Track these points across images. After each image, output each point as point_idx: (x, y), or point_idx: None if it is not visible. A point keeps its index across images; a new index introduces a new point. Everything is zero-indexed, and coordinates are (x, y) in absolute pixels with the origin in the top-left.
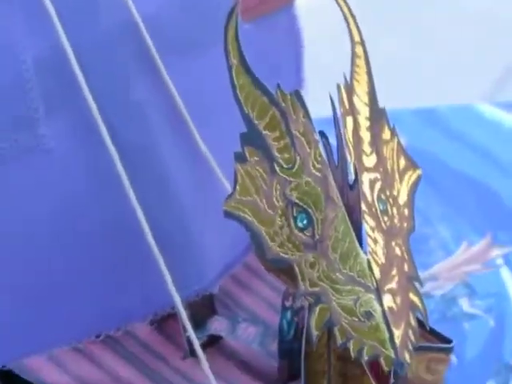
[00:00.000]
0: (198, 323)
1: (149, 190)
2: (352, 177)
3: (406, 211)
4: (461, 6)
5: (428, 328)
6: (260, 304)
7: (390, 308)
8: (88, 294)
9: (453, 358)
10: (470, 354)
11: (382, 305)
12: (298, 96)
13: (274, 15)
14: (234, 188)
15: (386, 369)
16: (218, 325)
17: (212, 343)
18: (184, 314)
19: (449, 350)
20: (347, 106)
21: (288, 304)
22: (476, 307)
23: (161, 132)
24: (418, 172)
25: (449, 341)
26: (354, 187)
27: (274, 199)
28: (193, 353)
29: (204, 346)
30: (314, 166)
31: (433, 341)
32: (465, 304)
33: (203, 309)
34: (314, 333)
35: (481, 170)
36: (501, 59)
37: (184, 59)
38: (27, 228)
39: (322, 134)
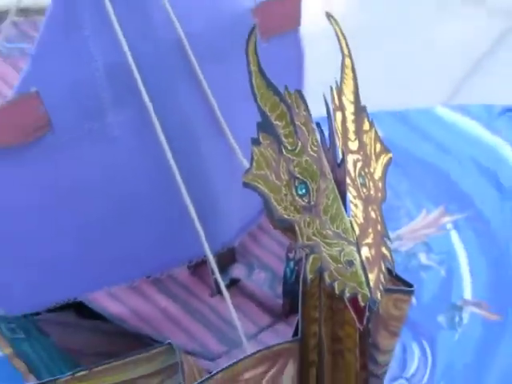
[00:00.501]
0: (223, 269)
1: (191, 171)
2: (340, 157)
3: (380, 184)
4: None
5: (395, 275)
6: (269, 255)
7: (367, 258)
8: (142, 244)
9: (413, 299)
10: (426, 296)
11: (360, 255)
12: (300, 94)
13: (283, 35)
14: (251, 165)
15: (362, 304)
16: (237, 271)
17: (233, 285)
18: (213, 262)
19: (410, 293)
20: (337, 104)
21: (291, 256)
22: (431, 260)
23: (200, 124)
24: (390, 155)
25: (410, 285)
26: (341, 165)
27: (281, 173)
28: (219, 291)
29: (227, 287)
30: (311, 148)
31: (398, 285)
32: (423, 258)
33: (227, 258)
34: (309, 276)
35: (437, 158)
36: (457, 68)
37: (217, 66)
38: (97, 192)
39: (318, 124)
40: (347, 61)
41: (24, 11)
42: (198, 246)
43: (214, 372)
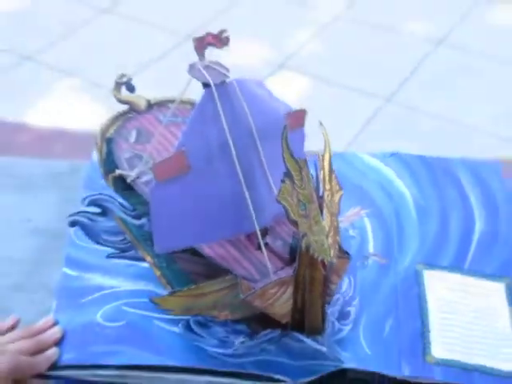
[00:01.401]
0: (262, 237)
1: (252, 191)
2: (321, 192)
3: (337, 206)
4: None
5: (342, 247)
6: (284, 233)
7: (330, 243)
8: (229, 224)
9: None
10: (352, 251)
11: (327, 240)
12: (305, 161)
13: (296, 129)
14: (279, 192)
15: (326, 263)
16: (268, 239)
17: (266, 245)
18: (259, 233)
19: (348, 258)
20: (321, 165)
21: (295, 236)
22: (354, 233)
23: (258, 171)
24: (342, 192)
25: (348, 253)
26: (322, 196)
27: (294, 198)
28: (259, 248)
29: (263, 246)
30: (308, 187)
31: (343, 253)
32: (350, 232)
33: (264, 232)
34: (303, 246)
35: (360, 180)
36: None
37: (267, 144)
38: (213, 197)
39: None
40: (327, 145)
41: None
42: (252, 224)
43: (256, 289)
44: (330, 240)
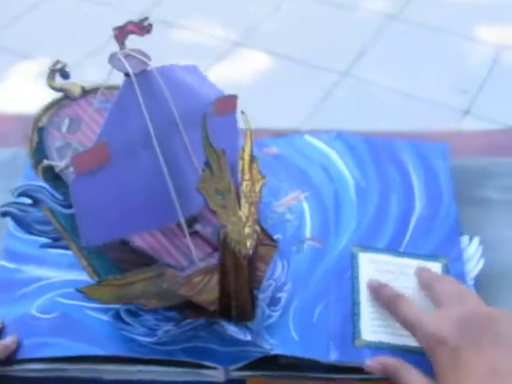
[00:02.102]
0: (191, 225)
1: (176, 172)
2: (239, 182)
3: (258, 195)
4: None
5: (270, 236)
6: (213, 220)
7: (248, 233)
8: (158, 213)
9: (279, 237)
10: (288, 235)
11: (244, 230)
12: (223, 152)
13: (228, 114)
14: (200, 180)
15: (242, 254)
16: (198, 226)
17: (195, 233)
18: (183, 221)
19: (276, 246)
20: (241, 155)
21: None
22: (291, 216)
23: (183, 157)
24: (264, 180)
25: (275, 240)
26: (240, 186)
27: (213, 187)
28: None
29: (192, 234)
30: (226, 176)
31: (272, 241)
32: (288, 215)
33: (193, 219)
34: (222, 236)
35: (302, 163)
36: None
37: (192, 131)
38: (137, 186)
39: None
40: (248, 132)
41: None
42: (176, 213)
43: (180, 278)
44: (248, 230)
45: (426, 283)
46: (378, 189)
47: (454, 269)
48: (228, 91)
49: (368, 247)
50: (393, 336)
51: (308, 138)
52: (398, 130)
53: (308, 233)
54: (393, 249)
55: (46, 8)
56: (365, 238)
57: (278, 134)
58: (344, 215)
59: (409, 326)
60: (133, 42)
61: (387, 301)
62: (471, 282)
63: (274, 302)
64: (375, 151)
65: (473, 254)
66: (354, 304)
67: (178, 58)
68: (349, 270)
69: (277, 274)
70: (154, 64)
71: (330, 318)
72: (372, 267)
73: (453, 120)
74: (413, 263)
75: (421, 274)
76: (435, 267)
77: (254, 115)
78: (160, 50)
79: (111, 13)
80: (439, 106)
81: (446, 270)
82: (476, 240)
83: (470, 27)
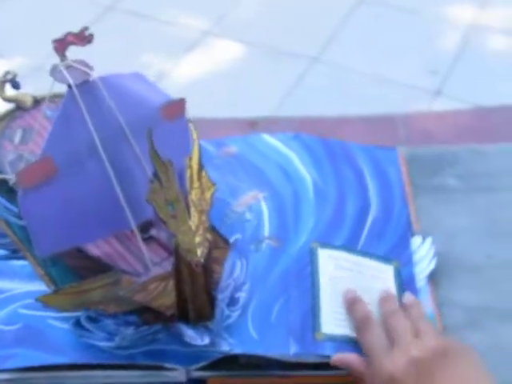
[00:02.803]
0: (145, 230)
1: (127, 180)
2: (188, 191)
3: (209, 202)
4: None
5: (223, 237)
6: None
7: (198, 242)
8: (111, 220)
9: (239, 236)
10: (247, 235)
11: (195, 240)
12: (170, 162)
13: (177, 119)
14: (149, 192)
15: (194, 264)
16: (153, 231)
17: (151, 238)
18: (135, 228)
19: (228, 247)
20: (188, 164)
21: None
22: (250, 216)
23: (132, 164)
24: (215, 187)
25: (228, 242)
26: (188, 195)
27: (162, 198)
28: (144, 241)
29: (147, 239)
30: (174, 186)
31: (224, 242)
32: (247, 215)
33: (148, 224)
34: (174, 245)
35: (261, 162)
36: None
37: (140, 138)
38: (84, 196)
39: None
40: (196, 143)
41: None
42: (132, 220)
43: (136, 285)
44: (199, 239)
45: (383, 319)
46: (336, 189)
47: (405, 272)
48: (200, 81)
49: (327, 244)
50: (353, 329)
51: (266, 137)
52: (370, 113)
53: (266, 232)
54: (350, 247)
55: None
56: (323, 235)
57: (251, 124)
58: (303, 213)
59: (369, 354)
60: (102, 35)
61: (357, 320)
62: (423, 282)
63: (233, 301)
64: (332, 153)
65: (425, 254)
66: (314, 298)
67: (148, 49)
68: (308, 265)
69: (236, 273)
70: (125, 57)
71: (290, 313)
72: (331, 263)
73: (425, 101)
74: (369, 263)
75: (381, 306)
76: (388, 270)
77: (227, 103)
78: (130, 42)
79: (78, 3)
80: (411, 88)
81: (398, 273)
82: (429, 240)
83: (440, 8)
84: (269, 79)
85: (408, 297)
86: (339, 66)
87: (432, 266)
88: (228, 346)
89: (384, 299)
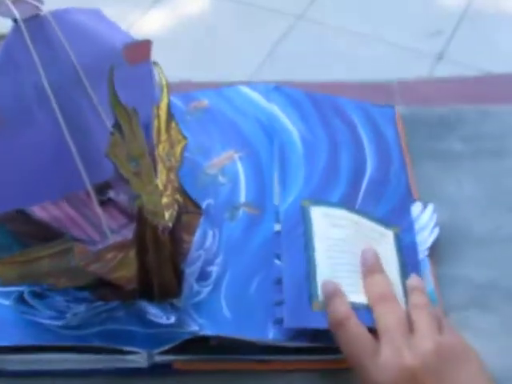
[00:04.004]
0: (102, 191)
1: (82, 132)
2: (155, 145)
3: (179, 158)
4: None
5: (194, 201)
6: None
7: (166, 203)
8: (63, 178)
9: (211, 202)
10: (220, 201)
11: (161, 201)
12: (135, 110)
13: (142, 63)
14: (109, 146)
15: (160, 227)
16: (111, 193)
17: (109, 201)
18: (90, 189)
19: (200, 214)
20: (155, 113)
21: None
22: (224, 179)
23: (87, 111)
24: (186, 141)
25: (200, 207)
26: (155, 150)
27: (124, 153)
28: (100, 205)
29: (105, 202)
30: (140, 139)
31: (196, 207)
32: (220, 178)
33: (106, 185)
34: (136, 206)
35: (237, 117)
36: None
37: (98, 83)
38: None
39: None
40: (165, 88)
41: None
42: (87, 180)
43: (90, 254)
44: (166, 200)
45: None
46: (327, 144)
47: (406, 239)
48: (168, 38)
49: (320, 201)
50: (356, 295)
51: (243, 89)
52: (361, 79)
53: (243, 197)
54: (347, 204)
55: None
56: (316, 191)
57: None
58: (291, 170)
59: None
60: None
61: (333, 320)
62: (423, 254)
63: (203, 276)
64: (320, 106)
65: (426, 222)
66: (309, 263)
67: (111, 3)
68: (299, 226)
69: (207, 244)
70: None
71: (284, 283)
72: (327, 222)
73: (425, 66)
74: (369, 224)
75: (409, 296)
76: (388, 235)
77: (199, 65)
78: None
79: None
80: (409, 51)
81: (398, 240)
82: (430, 208)
83: None
84: (247, 38)
85: (413, 279)
86: (327, 25)
87: (434, 236)
88: (197, 326)
89: (413, 289)
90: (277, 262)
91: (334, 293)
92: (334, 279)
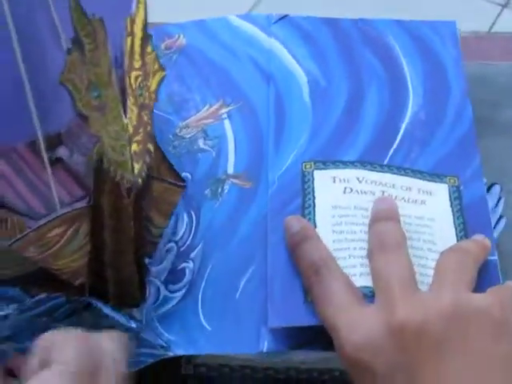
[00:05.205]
0: (51, 148)
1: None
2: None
3: (153, 95)
4: None
5: (174, 169)
6: (89, 142)
7: (135, 151)
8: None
9: (188, 175)
10: (199, 174)
11: (130, 149)
12: (101, 22)
13: None
14: (64, 69)
15: (127, 185)
16: (62, 151)
17: (58, 162)
18: (42, 142)
19: (182, 187)
20: (129, 31)
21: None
22: (206, 145)
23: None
24: (164, 73)
25: (183, 180)
26: (125, 79)
27: (84, 79)
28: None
29: (53, 163)
30: (105, 62)
31: (175, 177)
32: (201, 143)
33: (55, 140)
34: (94, 157)
35: (223, 58)
36: None
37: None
38: None
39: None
40: (142, 3)
41: None
42: (36, 127)
43: (26, 232)
44: (136, 147)
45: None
46: (347, 86)
47: (470, 192)
48: None
49: (329, 161)
50: (365, 276)
51: (234, 20)
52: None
53: (231, 168)
54: (369, 162)
55: None
56: (323, 150)
57: None
58: (291, 124)
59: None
60: None
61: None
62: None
63: (174, 276)
64: (344, 36)
65: (491, 209)
66: None
67: None
68: (297, 197)
69: (180, 233)
70: None
71: (268, 273)
72: (336, 188)
73: (489, 15)
74: (405, 182)
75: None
76: (439, 189)
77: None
78: None
79: None
80: None
81: (457, 195)
82: (497, 189)
83: None
84: None
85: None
86: None
87: (500, 227)
88: (163, 343)
89: (470, 239)
90: None
91: (304, 235)
92: (341, 261)
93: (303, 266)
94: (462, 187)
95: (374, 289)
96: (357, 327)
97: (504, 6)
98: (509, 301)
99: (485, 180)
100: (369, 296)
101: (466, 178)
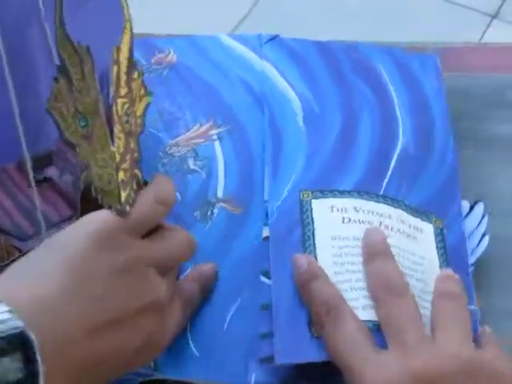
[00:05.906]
0: (40, 168)
1: (28, 81)
2: (111, 101)
3: (139, 121)
4: None
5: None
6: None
7: (122, 179)
8: None
9: (178, 196)
10: (189, 195)
11: (117, 177)
12: (88, 49)
13: None
14: (50, 96)
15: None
16: (51, 171)
17: (46, 181)
18: (28, 162)
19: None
20: (115, 59)
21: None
22: (196, 166)
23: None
24: (150, 98)
25: None
26: (111, 107)
27: (70, 107)
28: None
29: (41, 182)
30: (93, 92)
31: None
32: (190, 163)
33: (45, 160)
34: (81, 185)
35: (214, 78)
36: None
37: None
38: None
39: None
40: (128, 24)
41: None
42: (25, 148)
43: (16, 256)
44: (123, 175)
45: (434, 299)
46: (340, 111)
47: (452, 236)
48: None
49: (327, 190)
50: (373, 311)
51: (226, 40)
52: (396, 40)
53: (220, 190)
54: (365, 192)
55: None
56: (320, 179)
57: None
58: (287, 151)
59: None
60: None
61: (317, 307)
62: (469, 269)
63: None
64: (333, 59)
65: (474, 227)
66: None
67: None
68: (297, 228)
69: None
70: None
71: (274, 306)
72: (335, 218)
73: (478, 25)
74: (398, 215)
75: (437, 282)
76: (426, 228)
77: (168, 19)
78: None
79: None
80: (461, 7)
81: (441, 237)
82: (480, 207)
83: None
84: None
85: (449, 271)
86: None
87: (484, 244)
88: (150, 370)
89: (445, 276)
90: (264, 279)
91: (313, 273)
92: (344, 293)
93: (315, 305)
94: (445, 230)
95: (385, 334)
96: (376, 371)
97: (493, 16)
98: (503, 353)
99: (467, 203)
100: (373, 330)
101: (449, 219)
